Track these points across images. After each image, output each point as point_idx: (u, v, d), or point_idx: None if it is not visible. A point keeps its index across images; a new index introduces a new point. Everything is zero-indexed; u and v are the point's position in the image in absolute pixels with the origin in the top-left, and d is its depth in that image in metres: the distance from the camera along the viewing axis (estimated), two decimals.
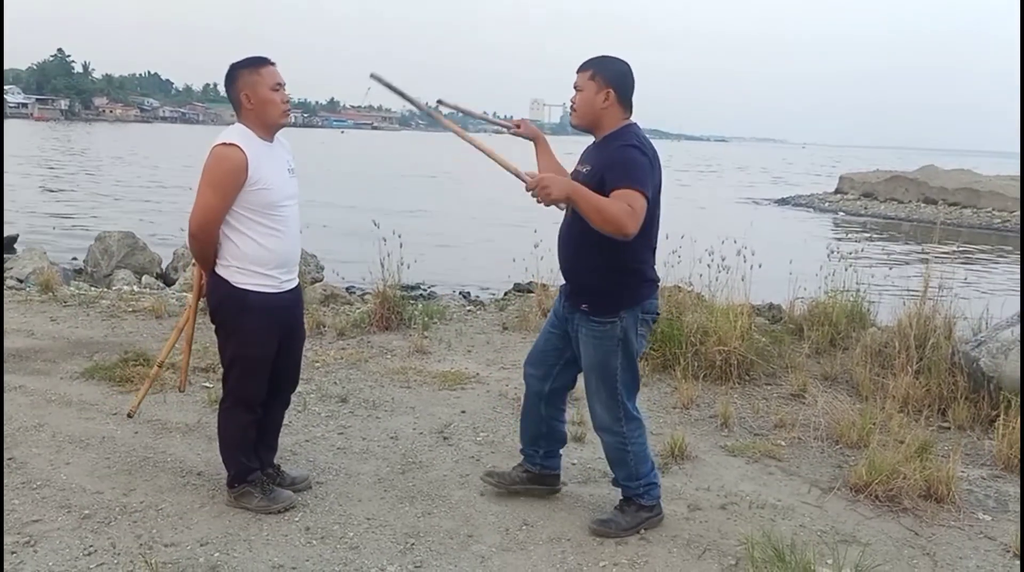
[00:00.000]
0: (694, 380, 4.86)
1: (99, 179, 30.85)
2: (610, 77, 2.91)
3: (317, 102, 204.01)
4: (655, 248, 3.01)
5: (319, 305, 6.96)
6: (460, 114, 3.48)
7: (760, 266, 5.86)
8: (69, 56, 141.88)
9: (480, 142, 2.89)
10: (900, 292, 5.57)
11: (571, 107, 2.99)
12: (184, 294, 7.62)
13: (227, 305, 2.99)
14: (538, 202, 2.72)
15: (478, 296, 10.62)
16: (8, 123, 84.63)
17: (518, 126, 3.32)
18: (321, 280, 9.30)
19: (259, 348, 3.03)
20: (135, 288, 8.65)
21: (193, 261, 3.21)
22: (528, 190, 2.71)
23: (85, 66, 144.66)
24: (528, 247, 6.44)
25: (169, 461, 3.63)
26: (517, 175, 2.75)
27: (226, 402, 3.12)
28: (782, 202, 33.58)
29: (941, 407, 4.54)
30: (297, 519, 3.14)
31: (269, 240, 2.96)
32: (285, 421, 3.46)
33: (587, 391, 3.10)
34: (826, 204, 32.06)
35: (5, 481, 3.33)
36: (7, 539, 2.89)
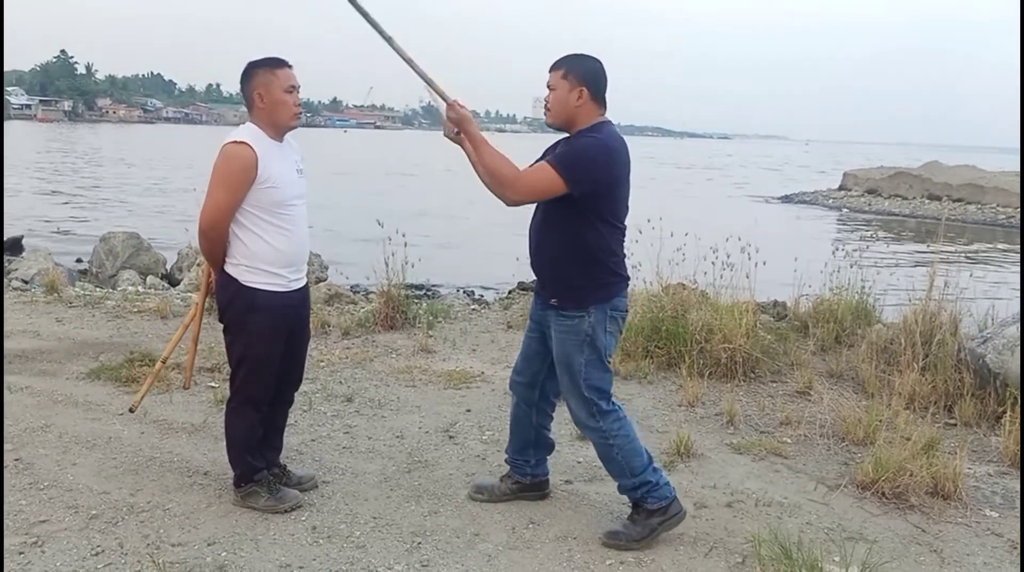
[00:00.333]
0: (699, 378, 4.85)
1: (103, 180, 30.90)
2: (582, 75, 2.89)
3: (320, 102, 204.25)
4: (623, 241, 3.00)
5: (324, 304, 6.98)
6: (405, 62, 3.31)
7: (764, 263, 5.86)
8: (72, 57, 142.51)
9: (420, 67, 2.95)
10: (905, 289, 5.55)
11: (545, 106, 2.97)
12: (189, 294, 7.63)
13: (236, 303, 3.01)
14: (444, 134, 2.93)
15: (482, 295, 10.63)
16: (12, 125, 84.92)
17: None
18: (325, 279, 9.30)
19: (267, 346, 3.04)
20: (140, 289, 8.67)
21: (199, 261, 3.22)
22: (447, 114, 2.89)
23: (88, 67, 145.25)
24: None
25: (176, 461, 3.64)
26: (444, 96, 2.90)
27: (233, 401, 3.13)
28: (786, 199, 33.53)
29: (947, 404, 4.53)
30: (304, 518, 3.14)
31: (278, 239, 2.98)
32: (291, 421, 3.47)
33: (561, 388, 3.08)
34: (830, 201, 32.00)
35: (13, 482, 3.34)
36: (15, 539, 2.90)
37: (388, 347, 5.69)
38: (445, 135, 2.93)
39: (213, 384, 4.65)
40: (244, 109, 3.06)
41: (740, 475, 3.72)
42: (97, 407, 4.27)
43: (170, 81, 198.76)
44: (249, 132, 2.95)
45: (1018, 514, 3.40)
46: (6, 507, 3.11)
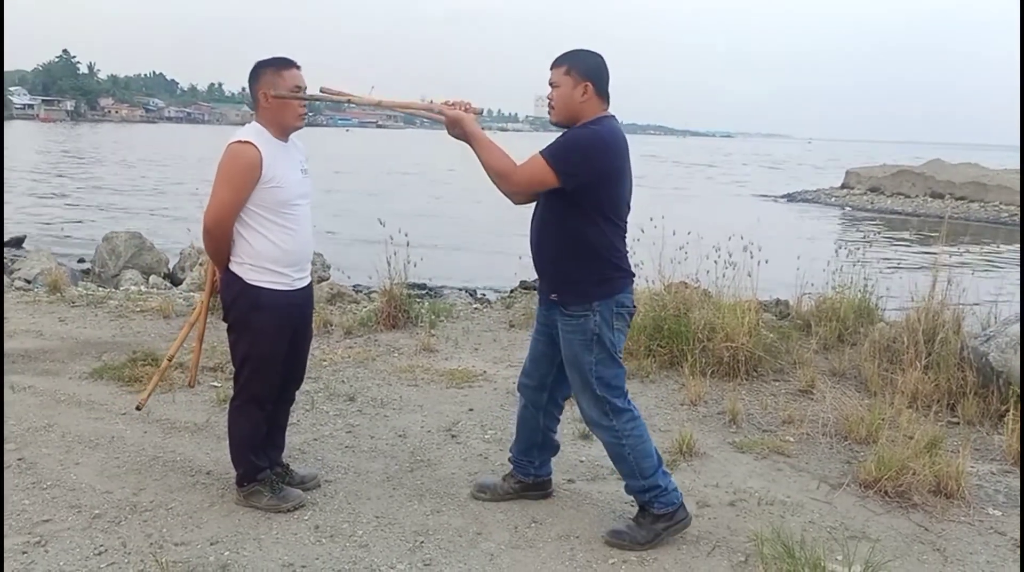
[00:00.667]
0: (702, 377, 4.85)
1: (105, 180, 30.94)
2: (586, 70, 2.87)
3: (322, 102, 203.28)
4: (624, 237, 2.99)
5: (326, 304, 6.98)
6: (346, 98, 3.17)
7: (767, 262, 5.84)
8: (74, 57, 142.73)
9: (391, 100, 3.06)
10: (908, 287, 5.54)
11: (549, 104, 2.95)
12: (192, 294, 7.64)
13: (240, 302, 3.01)
14: (448, 132, 2.91)
15: (484, 294, 10.63)
16: (14, 124, 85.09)
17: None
18: (328, 279, 9.31)
19: (271, 345, 3.05)
20: (143, 288, 8.68)
21: (201, 260, 3.23)
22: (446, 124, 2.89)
23: (90, 67, 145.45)
24: None
25: (178, 460, 3.64)
26: (430, 111, 2.95)
27: (237, 400, 3.13)
28: (788, 197, 33.52)
29: (950, 402, 4.53)
30: (306, 518, 3.14)
31: (282, 238, 2.99)
32: (294, 420, 3.47)
33: (572, 388, 3.06)
34: (832, 199, 31.99)
35: (16, 482, 3.35)
36: (18, 539, 2.91)
37: (390, 346, 5.69)
38: (450, 134, 2.93)
39: (216, 383, 4.65)
40: (246, 108, 3.07)
41: (743, 474, 3.72)
42: (100, 407, 4.28)
43: (172, 80, 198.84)
44: (254, 132, 2.96)
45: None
46: (10, 507, 3.12)
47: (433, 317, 6.36)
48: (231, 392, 3.19)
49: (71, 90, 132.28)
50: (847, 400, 4.45)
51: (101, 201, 23.64)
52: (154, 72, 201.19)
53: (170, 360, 3.46)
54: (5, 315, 5.98)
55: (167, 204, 22.28)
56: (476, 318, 6.76)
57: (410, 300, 6.50)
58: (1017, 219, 24.70)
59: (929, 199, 28.91)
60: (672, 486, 3.04)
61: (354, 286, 9.46)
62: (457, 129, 2.88)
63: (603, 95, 2.91)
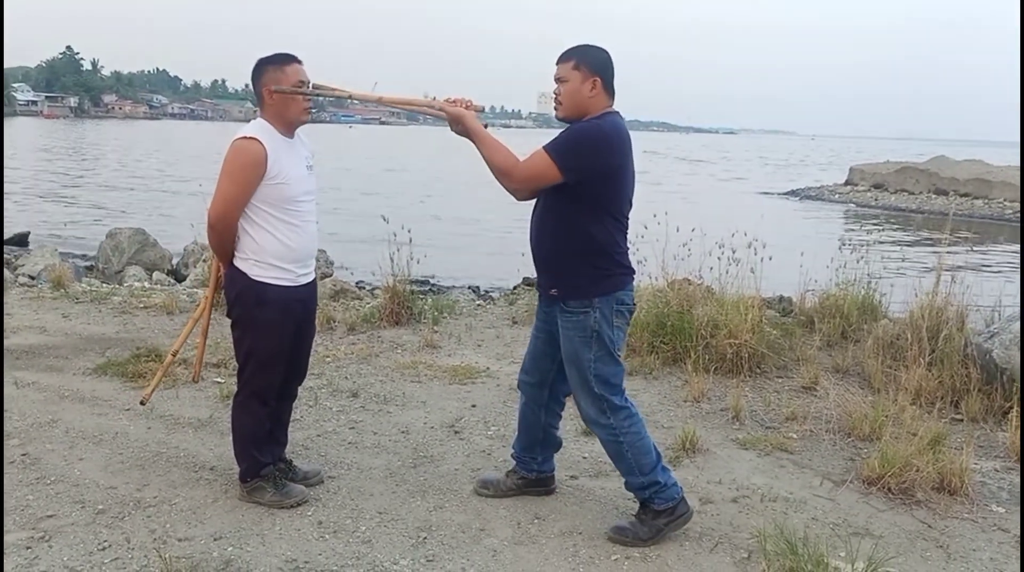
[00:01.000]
0: (705, 373, 4.85)
1: (108, 177, 30.97)
2: (595, 65, 2.86)
3: (324, 98, 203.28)
4: (626, 233, 2.98)
5: (329, 300, 6.98)
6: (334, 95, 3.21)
7: (770, 258, 5.83)
8: (78, 53, 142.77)
9: (393, 97, 3.08)
10: (912, 284, 5.53)
11: (556, 100, 2.93)
12: (195, 290, 7.65)
13: (245, 298, 3.02)
14: (451, 129, 2.93)
15: (487, 290, 10.63)
16: (18, 121, 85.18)
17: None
18: (331, 275, 9.32)
19: (276, 341, 3.05)
20: (146, 284, 8.68)
21: (205, 257, 3.23)
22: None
23: (94, 63, 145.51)
24: None
25: (182, 456, 3.65)
26: (431, 107, 2.95)
27: (240, 395, 3.14)
28: (792, 194, 33.45)
29: (954, 399, 4.52)
30: (309, 513, 3.15)
31: (287, 234, 2.99)
32: (297, 416, 3.48)
33: (570, 385, 3.05)
34: (836, 196, 31.91)
35: (20, 477, 3.36)
36: (22, 534, 2.92)
37: (393, 342, 5.69)
38: (452, 131, 2.94)
39: (219, 379, 4.66)
40: (249, 105, 3.07)
41: (746, 470, 3.72)
42: (104, 402, 4.29)
43: (175, 77, 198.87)
44: (259, 128, 2.96)
45: None
46: (14, 502, 3.13)
47: (436, 313, 6.36)
48: (234, 388, 3.20)
49: (75, 87, 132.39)
50: (850, 397, 4.44)
51: (104, 198, 23.66)
52: (157, 69, 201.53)
53: (174, 356, 3.47)
54: (9, 312, 6.00)
55: (170, 201, 22.30)
56: (479, 314, 6.76)
57: (413, 296, 6.51)
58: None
59: (933, 196, 28.84)
60: (672, 481, 3.04)
61: (357, 282, 9.47)
62: (459, 126, 2.88)
63: (610, 90, 2.90)
